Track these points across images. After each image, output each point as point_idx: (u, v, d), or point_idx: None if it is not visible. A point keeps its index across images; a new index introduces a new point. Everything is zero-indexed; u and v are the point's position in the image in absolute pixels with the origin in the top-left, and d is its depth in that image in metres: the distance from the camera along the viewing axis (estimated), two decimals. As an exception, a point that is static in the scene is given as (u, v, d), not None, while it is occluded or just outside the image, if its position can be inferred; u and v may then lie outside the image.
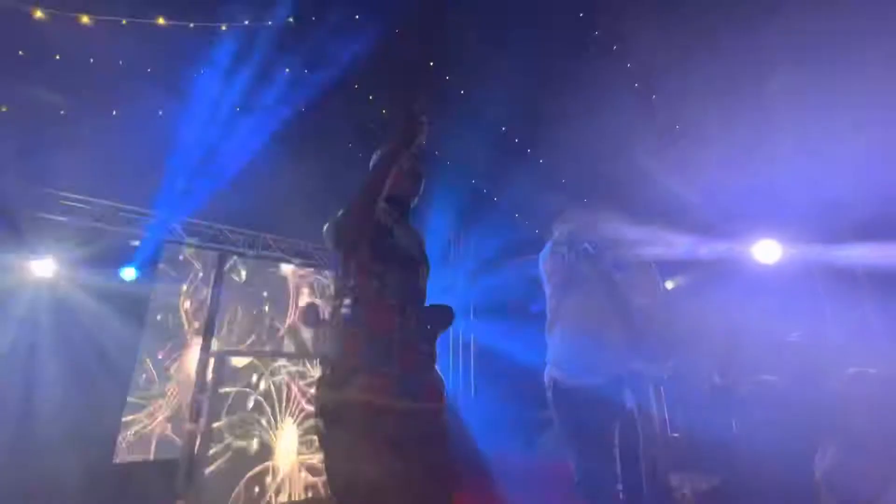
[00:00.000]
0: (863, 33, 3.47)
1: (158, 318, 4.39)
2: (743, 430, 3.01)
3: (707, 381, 3.65)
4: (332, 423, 1.18)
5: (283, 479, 3.95)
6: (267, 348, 4.91)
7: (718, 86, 4.31)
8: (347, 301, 1.30)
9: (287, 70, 5.06)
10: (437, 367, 1.39)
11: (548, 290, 2.08)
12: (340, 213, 1.35)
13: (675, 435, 4.39)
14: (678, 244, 4.62)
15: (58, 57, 3.83)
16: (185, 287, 4.63)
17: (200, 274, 4.80)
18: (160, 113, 4.94)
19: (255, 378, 4.54)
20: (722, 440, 4.11)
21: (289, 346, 5.08)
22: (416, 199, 1.56)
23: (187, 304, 4.59)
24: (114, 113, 4.68)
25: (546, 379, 1.92)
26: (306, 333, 5.16)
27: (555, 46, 4.57)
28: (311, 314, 4.74)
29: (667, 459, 4.52)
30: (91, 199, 4.37)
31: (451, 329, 6.70)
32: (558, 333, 1.95)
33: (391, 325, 1.26)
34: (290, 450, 4.09)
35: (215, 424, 3.53)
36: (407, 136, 1.36)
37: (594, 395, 1.75)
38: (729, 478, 3.62)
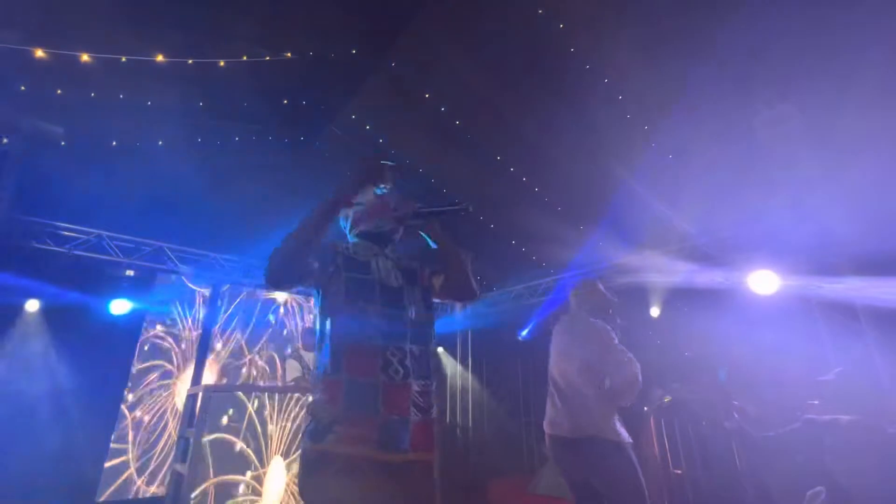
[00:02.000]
0: (858, 66, 3.51)
1: (148, 349, 4.34)
2: (779, 472, 2.87)
3: (722, 419, 3.55)
4: (310, 473, 1.13)
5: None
6: (263, 382, 4.83)
7: (712, 116, 4.36)
8: (325, 346, 1.25)
9: (285, 101, 5.16)
10: (435, 405, 1.28)
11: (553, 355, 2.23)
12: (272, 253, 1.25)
13: (678, 472, 4.26)
14: (674, 272, 4.59)
15: (59, 91, 3.90)
16: (176, 317, 4.59)
17: (193, 303, 4.76)
18: (160, 143, 5.02)
19: (244, 414, 4.44)
20: (729, 478, 3.98)
21: (290, 372, 4.99)
22: (397, 234, 1.46)
23: (178, 335, 4.54)
24: (113, 143, 4.74)
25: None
26: (308, 359, 5.08)
27: (547, 79, 4.64)
28: (308, 337, 4.66)
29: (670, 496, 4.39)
30: (87, 229, 4.37)
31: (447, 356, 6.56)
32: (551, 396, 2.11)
33: (373, 370, 1.19)
34: (278, 489, 3.95)
35: (203, 463, 3.42)
36: (362, 180, 1.32)
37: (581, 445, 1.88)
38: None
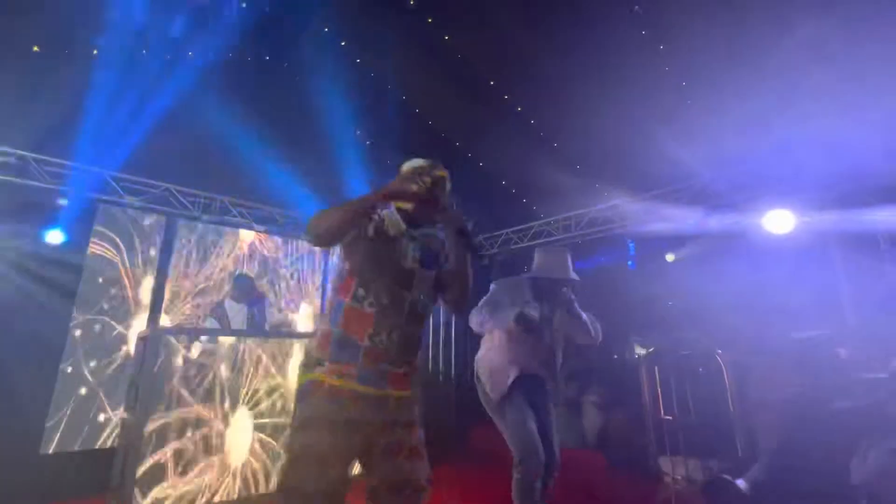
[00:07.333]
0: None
1: (92, 289, 3.83)
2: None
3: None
4: (302, 398, 1.32)
5: (229, 474, 3.52)
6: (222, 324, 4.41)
7: (731, 38, 3.89)
8: (336, 301, 1.41)
9: (246, 9, 4.41)
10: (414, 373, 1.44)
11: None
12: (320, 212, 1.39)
13: (668, 418, 4.13)
14: (680, 217, 4.27)
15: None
16: (126, 255, 4.05)
17: (144, 240, 4.21)
18: (95, 52, 4.26)
19: (206, 360, 4.04)
20: (721, 424, 3.86)
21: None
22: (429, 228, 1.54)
23: (129, 275, 4.02)
24: (35, 49, 3.97)
25: None
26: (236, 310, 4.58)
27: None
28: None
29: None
30: (8, 149, 3.71)
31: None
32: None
33: (362, 334, 1.35)
34: (241, 442, 3.63)
35: (156, 413, 3.06)
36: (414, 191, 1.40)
37: None
38: (733, 465, 3.38)
